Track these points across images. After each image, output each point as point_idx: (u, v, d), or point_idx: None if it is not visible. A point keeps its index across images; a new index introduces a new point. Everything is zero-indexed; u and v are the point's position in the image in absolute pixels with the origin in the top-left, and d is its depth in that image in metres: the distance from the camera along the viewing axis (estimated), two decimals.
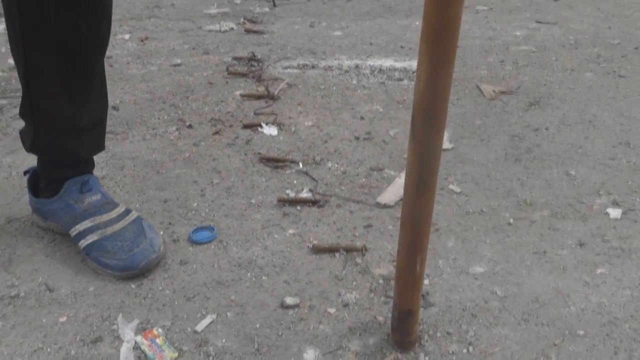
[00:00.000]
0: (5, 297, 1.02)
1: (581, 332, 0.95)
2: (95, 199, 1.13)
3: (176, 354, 0.89)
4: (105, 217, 1.11)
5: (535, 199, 1.33)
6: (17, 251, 1.15)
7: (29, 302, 1.01)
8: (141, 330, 0.94)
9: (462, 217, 1.27)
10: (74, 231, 1.11)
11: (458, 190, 1.37)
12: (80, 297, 1.02)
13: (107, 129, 1.70)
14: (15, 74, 2.14)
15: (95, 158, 1.51)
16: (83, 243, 1.09)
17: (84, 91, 1.06)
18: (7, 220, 1.25)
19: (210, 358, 0.89)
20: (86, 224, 1.10)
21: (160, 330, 0.94)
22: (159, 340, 0.92)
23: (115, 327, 0.95)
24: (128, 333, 0.92)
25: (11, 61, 2.32)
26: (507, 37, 2.62)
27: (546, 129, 1.69)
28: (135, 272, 1.05)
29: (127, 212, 1.14)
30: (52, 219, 1.16)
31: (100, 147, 1.19)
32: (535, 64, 2.25)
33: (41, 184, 1.18)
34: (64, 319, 0.97)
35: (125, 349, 0.89)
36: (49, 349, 0.91)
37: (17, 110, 1.77)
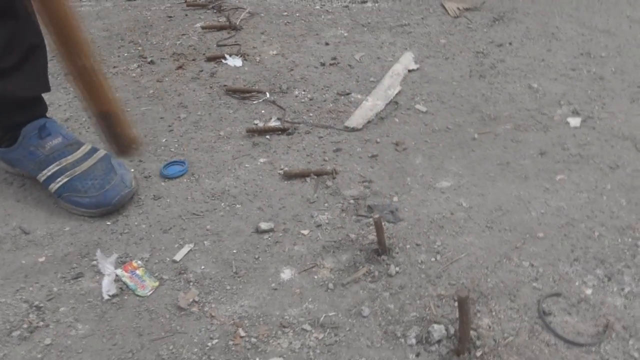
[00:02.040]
0: None
1: (541, 235, 1.00)
2: (56, 142, 1.11)
3: (157, 283, 0.93)
4: (71, 158, 1.10)
5: (499, 113, 1.36)
6: None
7: (6, 246, 1.02)
8: (120, 263, 0.97)
9: (429, 135, 1.30)
10: (42, 177, 1.10)
11: (424, 109, 1.39)
12: (57, 237, 1.04)
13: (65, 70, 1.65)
14: None
15: (58, 101, 1.48)
16: (53, 186, 1.09)
17: (4, 29, 1.02)
18: None
19: (191, 284, 0.93)
20: (52, 168, 1.09)
21: (139, 262, 0.97)
22: (139, 272, 0.95)
23: (94, 262, 0.97)
24: (108, 267, 0.94)
25: None
26: None
27: (510, 43, 1.70)
28: (110, 208, 1.06)
29: (94, 150, 1.13)
30: (18, 166, 1.14)
31: (42, 86, 1.14)
32: None
33: None
34: (43, 259, 0.99)
35: (107, 282, 0.92)
36: (31, 288, 0.93)
37: None
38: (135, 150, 0.97)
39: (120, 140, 0.94)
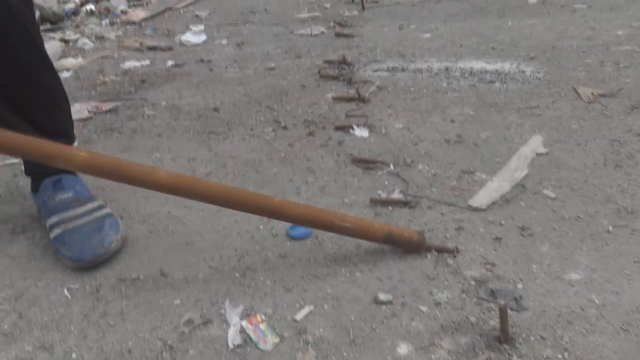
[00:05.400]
0: (128, 279, 1.14)
1: None
2: (65, 197, 1.24)
3: (278, 339, 0.97)
4: (72, 213, 1.21)
5: (637, 207, 1.29)
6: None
7: (148, 285, 1.13)
8: (245, 315, 1.02)
9: (557, 222, 1.25)
10: (47, 224, 1.23)
11: (553, 195, 1.35)
12: (191, 282, 1.13)
13: (210, 129, 1.84)
14: (128, 77, 2.34)
15: (201, 157, 1.64)
16: (51, 235, 1.20)
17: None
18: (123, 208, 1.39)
19: (309, 345, 0.96)
20: (53, 219, 1.21)
21: (263, 316, 1.02)
22: (262, 326, 1.00)
23: (222, 311, 1.04)
24: (234, 317, 1.01)
25: (124, 66, 2.53)
26: (607, 36, 2.50)
27: None
28: (84, 264, 1.14)
29: (99, 208, 1.24)
30: (39, 211, 1.30)
31: (64, 138, 1.25)
32: (639, 64, 2.14)
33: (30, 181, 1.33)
34: (178, 301, 1.08)
35: (232, 332, 0.98)
36: (166, 328, 1.01)
37: (130, 112, 1.95)
38: (422, 245, 1.16)
39: (409, 245, 1.15)
